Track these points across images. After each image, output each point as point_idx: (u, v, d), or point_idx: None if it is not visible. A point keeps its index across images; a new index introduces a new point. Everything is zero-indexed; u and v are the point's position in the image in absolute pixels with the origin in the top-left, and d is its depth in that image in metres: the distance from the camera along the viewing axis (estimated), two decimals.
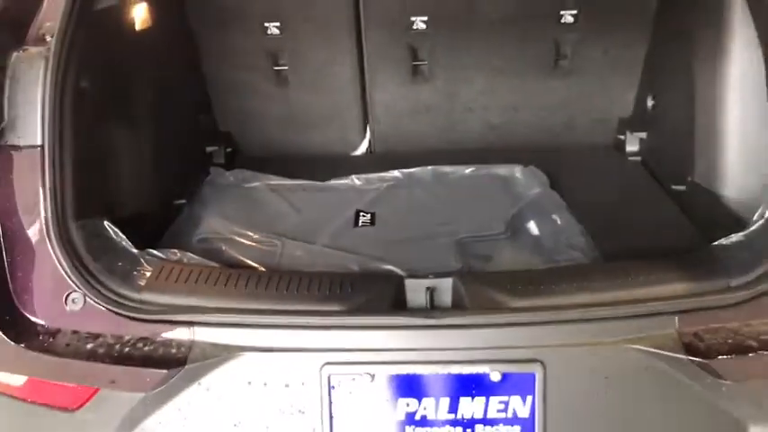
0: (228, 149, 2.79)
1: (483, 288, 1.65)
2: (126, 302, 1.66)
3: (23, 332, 1.68)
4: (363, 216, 2.26)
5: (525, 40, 2.57)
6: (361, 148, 2.86)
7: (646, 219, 2.23)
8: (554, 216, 2.21)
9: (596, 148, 2.74)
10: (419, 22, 2.54)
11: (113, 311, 1.65)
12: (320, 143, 2.83)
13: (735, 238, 1.75)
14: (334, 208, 2.31)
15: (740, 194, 2.05)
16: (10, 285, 1.70)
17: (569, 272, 1.80)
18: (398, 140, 2.81)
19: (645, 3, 2.48)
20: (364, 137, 2.84)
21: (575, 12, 2.50)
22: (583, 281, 1.67)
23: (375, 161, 2.78)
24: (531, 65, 2.63)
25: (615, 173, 2.59)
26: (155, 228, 2.17)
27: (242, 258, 2.01)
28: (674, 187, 2.33)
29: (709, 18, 2.09)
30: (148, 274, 1.74)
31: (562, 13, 2.51)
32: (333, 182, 2.54)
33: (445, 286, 1.69)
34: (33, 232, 1.69)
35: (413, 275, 1.76)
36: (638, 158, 2.66)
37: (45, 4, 1.79)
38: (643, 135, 2.64)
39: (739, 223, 1.92)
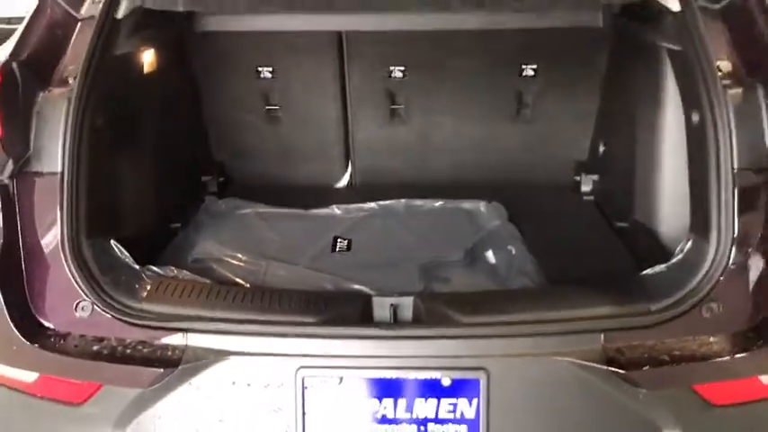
0: (222, 179, 3.05)
1: (439, 306, 1.91)
2: (128, 311, 1.90)
3: (37, 334, 1.92)
4: (341, 242, 2.52)
5: (491, 89, 2.86)
6: (343, 181, 3.13)
7: (591, 251, 2.50)
8: (509, 247, 2.47)
9: (555, 187, 3.02)
10: (397, 71, 2.83)
11: (117, 318, 1.89)
12: (306, 175, 3.10)
13: (658, 268, 2.02)
14: (315, 234, 2.57)
15: (672, 231, 2.33)
16: (27, 293, 1.95)
17: (514, 294, 2.07)
18: (376, 175, 3.08)
19: (596, 61, 2.78)
20: (346, 171, 3.12)
21: (534, 66, 2.80)
22: (525, 301, 1.94)
23: (355, 193, 3.05)
24: (496, 111, 2.91)
25: (569, 210, 2.87)
26: (154, 248, 2.42)
27: (231, 276, 2.26)
28: (618, 224, 2.61)
29: (647, 77, 2.39)
30: (148, 287, 1.99)
31: (523, 67, 2.80)
32: (315, 211, 2.79)
33: (407, 303, 1.95)
34: (50, 247, 1.93)
35: (380, 294, 2.03)
36: (592, 198, 2.95)
37: (69, 50, 2.06)
38: (595, 177, 2.93)
39: (669, 256, 2.20)
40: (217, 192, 3.01)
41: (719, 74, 1.90)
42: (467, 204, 2.80)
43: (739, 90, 1.89)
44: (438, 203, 2.82)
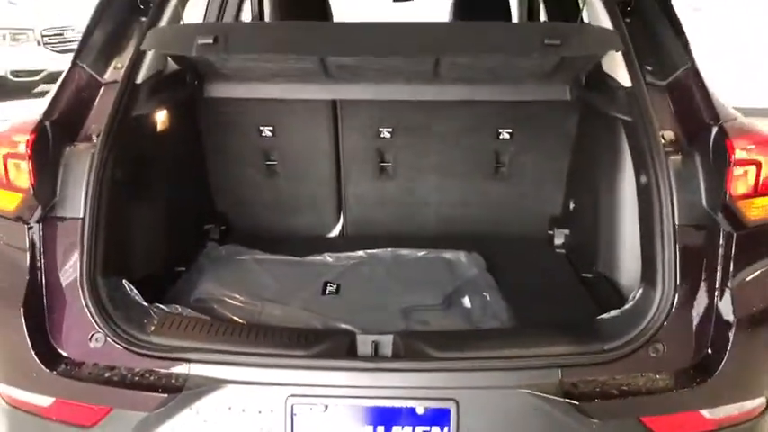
0: (223, 228, 3.31)
1: (415, 342, 2.14)
2: (137, 342, 2.13)
3: (54, 362, 2.14)
4: (330, 286, 2.75)
5: (471, 150, 3.14)
6: (335, 231, 3.39)
7: (559, 299, 2.74)
8: (485, 293, 2.71)
9: (530, 240, 3.27)
10: (385, 132, 3.11)
11: (127, 348, 2.11)
12: (301, 225, 3.35)
13: (613, 313, 2.25)
14: (307, 279, 2.81)
15: (630, 282, 2.58)
16: (47, 324, 2.18)
17: (483, 333, 2.30)
18: (366, 226, 3.34)
19: (566, 127, 3.07)
20: (338, 222, 3.38)
21: (510, 130, 3.09)
22: (492, 340, 2.18)
23: (346, 242, 3.30)
24: (475, 169, 3.19)
25: (542, 262, 3.12)
26: (160, 288, 2.66)
27: (229, 315, 2.50)
28: (583, 275, 2.86)
29: (607, 143, 2.67)
30: (155, 322, 2.21)
31: (500, 130, 3.10)
32: (309, 258, 3.05)
33: (387, 341, 2.17)
34: (68, 284, 2.17)
35: (363, 332, 2.26)
36: (563, 251, 3.20)
37: (93, 110, 2.35)
38: (567, 231, 3.19)
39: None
40: (218, 239, 3.25)
41: (663, 142, 2.18)
42: (448, 254, 3.05)
43: (679, 157, 2.17)
44: (422, 253, 3.06)
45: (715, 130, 2.10)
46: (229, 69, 2.79)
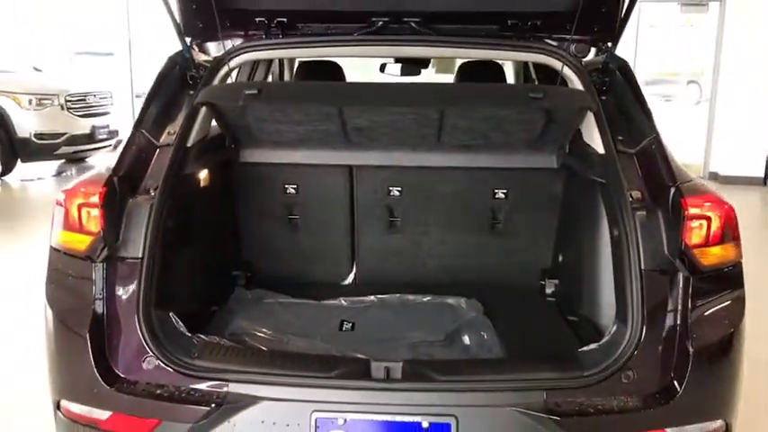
0: (249, 275, 3.70)
1: (421, 368, 2.50)
2: (183, 365, 2.49)
3: (113, 380, 2.50)
4: (346, 324, 3.13)
5: (470, 207, 3.56)
6: (349, 279, 3.77)
7: (547, 338, 3.12)
8: (482, 333, 3.08)
9: (523, 289, 3.66)
10: (395, 191, 3.54)
11: (175, 370, 2.48)
12: (319, 273, 3.74)
13: (592, 346, 2.61)
14: (326, 318, 3.19)
15: (608, 322, 2.94)
16: (106, 348, 2.55)
17: (479, 362, 2.67)
18: (376, 274, 3.72)
19: (554, 188, 3.50)
20: (352, 270, 3.77)
21: (505, 191, 3.52)
22: (487, 367, 2.54)
23: (358, 288, 3.68)
24: (474, 225, 3.60)
25: (533, 307, 3.49)
26: (198, 323, 3.03)
27: (260, 345, 2.87)
28: (569, 317, 3.24)
29: (588, 202, 3.09)
30: (198, 349, 2.58)
31: (496, 191, 3.53)
32: (326, 301, 3.43)
33: (397, 366, 2.52)
34: (126, 314, 2.54)
35: (376, 360, 2.62)
36: (554, 299, 3.58)
37: (150, 168, 2.77)
38: (556, 281, 3.58)
39: None
40: (245, 285, 3.64)
41: (630, 200, 2.59)
42: (450, 300, 3.43)
43: (644, 212, 2.57)
44: (426, 298, 3.45)
45: (673, 190, 2.52)
46: (263, 134, 3.24)
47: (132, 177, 2.70)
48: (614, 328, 2.61)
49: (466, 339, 3.04)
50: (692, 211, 2.44)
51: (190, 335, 2.66)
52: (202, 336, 2.72)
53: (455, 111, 2.98)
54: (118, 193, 2.59)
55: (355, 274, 3.76)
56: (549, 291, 3.61)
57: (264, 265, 3.73)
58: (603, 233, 2.97)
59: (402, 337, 2.99)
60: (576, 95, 2.91)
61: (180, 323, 2.67)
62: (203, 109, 2.98)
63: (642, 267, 2.50)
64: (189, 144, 2.88)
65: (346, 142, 3.30)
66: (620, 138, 2.83)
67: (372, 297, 3.45)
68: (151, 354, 2.49)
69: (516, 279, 3.68)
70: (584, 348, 2.63)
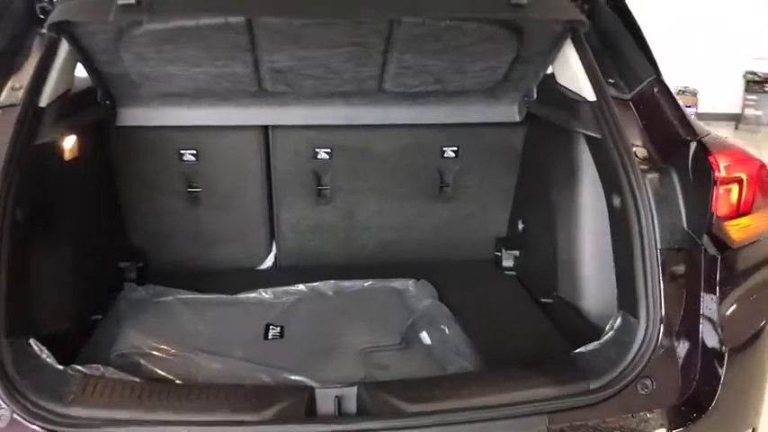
0: (140, 264, 2.93)
1: (384, 395, 1.88)
2: (53, 417, 1.76)
3: None
4: (273, 329, 2.45)
5: (414, 169, 2.93)
6: (267, 263, 3.08)
7: (520, 327, 2.57)
8: (443, 326, 2.49)
9: (477, 262, 3.10)
10: (323, 154, 2.85)
11: (41, 427, 1.75)
12: (228, 258, 3.03)
13: (591, 346, 2.08)
14: (245, 322, 2.50)
15: (595, 307, 2.43)
16: None
17: (457, 379, 2.07)
18: (301, 256, 3.05)
19: (512, 143, 2.91)
20: (270, 252, 3.07)
21: (455, 148, 2.90)
22: (468, 387, 1.95)
23: (279, 275, 3.01)
24: (418, 191, 2.98)
25: (493, 286, 2.94)
26: (73, 343, 2.28)
27: (160, 372, 2.15)
28: (542, 300, 2.69)
29: (563, 160, 2.52)
30: (74, 389, 1.86)
31: (444, 149, 2.90)
32: (242, 295, 2.73)
33: (351, 394, 1.91)
34: None
35: (322, 386, 1.98)
36: (513, 273, 3.04)
37: None
38: (516, 253, 3.03)
39: (595, 330, 2.29)
40: (135, 278, 2.88)
41: (637, 160, 2.03)
42: (395, 283, 2.82)
43: (656, 175, 2.02)
44: (367, 283, 2.82)
45: (694, 146, 1.97)
46: (147, 82, 2.43)
47: None
48: (618, 321, 2.08)
49: (425, 338, 2.44)
50: (725, 172, 1.90)
51: (61, 368, 1.92)
52: (79, 367, 1.98)
53: (409, 31, 2.23)
54: None
55: (275, 256, 3.07)
56: (506, 264, 3.06)
57: (159, 251, 2.97)
58: (585, 198, 2.44)
59: (346, 343, 2.36)
60: (565, 6, 2.26)
61: (44, 351, 1.93)
62: (62, 52, 2.16)
63: (658, 246, 1.96)
64: (43, 103, 2.07)
65: (260, 94, 2.56)
66: (609, 80, 2.25)
67: (300, 286, 2.78)
68: (1, 405, 1.74)
69: (468, 251, 3.11)
70: (583, 350, 2.09)
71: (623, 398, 1.91)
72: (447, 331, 2.47)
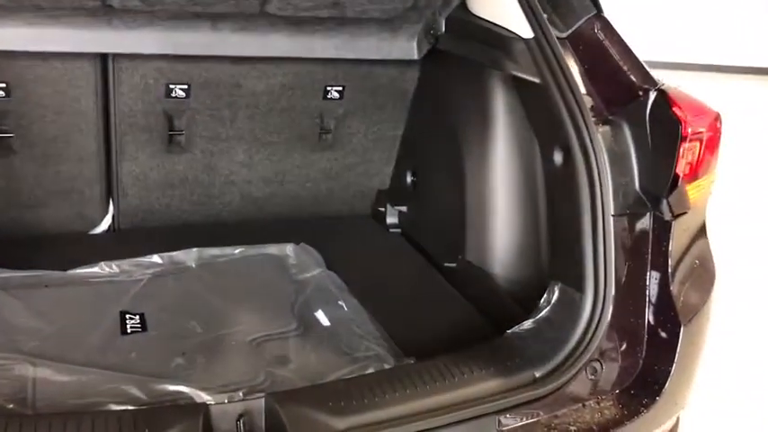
0: None
1: (301, 408, 1.47)
2: None
3: None
4: (131, 319, 1.91)
5: (290, 113, 2.45)
6: (103, 226, 2.47)
7: (423, 297, 2.25)
8: (339, 302, 2.11)
9: (358, 218, 2.73)
10: (178, 90, 2.27)
11: None
12: (52, 221, 2.38)
13: (526, 325, 1.81)
14: (91, 311, 1.92)
15: (511, 274, 2.17)
16: None
17: (384, 379, 1.70)
18: (147, 216, 2.48)
19: (404, 84, 2.52)
20: (107, 213, 2.47)
21: (340, 88, 2.45)
22: (402, 389, 1.59)
23: (119, 240, 2.43)
24: (295, 138, 2.51)
25: (380, 246, 2.58)
26: None
27: None
28: (445, 264, 2.38)
29: (473, 103, 2.18)
30: None
31: (329, 88, 2.44)
32: (78, 271, 2.14)
33: (258, 409, 1.48)
34: None
35: (218, 401, 1.53)
36: (398, 230, 2.70)
37: None
38: (403, 209, 2.69)
39: (516, 300, 2.03)
40: None
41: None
42: (272, 249, 2.38)
43: (607, 128, 1.75)
44: (237, 251, 2.34)
45: (653, 96, 1.71)
46: None
47: None
48: (556, 294, 1.83)
49: (323, 318, 2.04)
50: (690, 128, 1.67)
51: None
52: None
53: None
54: None
55: (113, 217, 2.47)
56: (391, 220, 2.71)
57: None
58: (498, 150, 2.14)
59: (232, 333, 1.89)
60: None
61: None
62: None
63: (611, 211, 1.70)
64: None
65: (100, 12, 1.94)
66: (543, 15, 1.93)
67: (154, 257, 2.23)
68: None
69: (347, 207, 2.72)
70: (517, 330, 1.82)
71: (573, 386, 1.67)
72: (345, 307, 2.10)
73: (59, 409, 1.52)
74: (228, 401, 1.55)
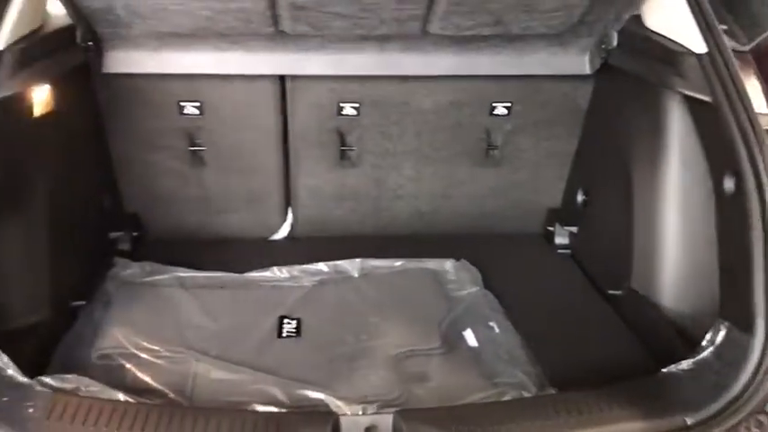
0: (135, 234, 2.53)
1: (425, 429, 1.48)
2: None
3: None
4: (288, 324, 2.04)
5: (457, 129, 2.46)
6: (282, 233, 2.66)
7: (582, 324, 2.14)
8: (491, 323, 2.08)
9: (525, 237, 2.66)
10: (349, 108, 2.38)
11: None
12: (237, 226, 2.60)
13: (685, 365, 1.67)
14: (256, 312, 2.08)
15: (680, 306, 1.99)
16: None
17: (519, 408, 1.65)
18: (321, 226, 2.63)
19: (576, 100, 2.42)
20: (285, 221, 2.65)
21: (508, 104, 2.42)
22: (534, 421, 1.53)
23: (295, 247, 2.59)
24: (462, 153, 2.51)
25: (545, 267, 2.50)
26: (49, 338, 1.89)
27: (149, 382, 1.75)
28: (610, 291, 2.25)
29: (646, 123, 2.04)
30: (38, 412, 1.48)
31: (494, 104, 2.42)
32: (253, 274, 2.32)
33: (385, 425, 1.51)
34: None
35: (350, 412, 1.58)
36: (567, 251, 2.59)
37: None
38: (573, 229, 2.58)
39: (682, 337, 1.87)
40: (130, 250, 2.47)
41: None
42: (431, 264, 2.40)
43: None
44: (398, 263, 2.39)
45: None
46: (137, 19, 1.97)
47: None
48: (721, 334, 1.65)
49: (471, 338, 2.02)
50: None
51: (25, 381, 1.54)
52: (48, 380, 1.59)
53: None
54: None
55: (291, 225, 2.64)
56: (560, 241, 2.61)
57: (157, 218, 2.55)
58: (673, 172, 1.98)
59: (377, 345, 1.94)
60: None
61: (5, 360, 1.54)
62: None
63: None
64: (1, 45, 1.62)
65: (277, 37, 2.09)
66: (722, 27, 1.76)
67: (321, 265, 2.36)
68: None
69: (516, 225, 2.67)
70: (674, 369, 1.67)
71: None
72: (496, 329, 2.06)
73: (210, 405, 1.67)
74: (362, 414, 1.59)
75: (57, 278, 1.96)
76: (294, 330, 2.02)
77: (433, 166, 2.54)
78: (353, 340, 1.97)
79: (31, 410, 1.47)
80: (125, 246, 2.48)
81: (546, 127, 2.49)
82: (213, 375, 1.79)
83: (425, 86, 2.35)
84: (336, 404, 1.67)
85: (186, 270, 2.31)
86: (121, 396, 1.61)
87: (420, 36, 2.12)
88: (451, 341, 2.00)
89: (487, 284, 2.33)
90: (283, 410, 1.62)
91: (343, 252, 2.43)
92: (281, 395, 1.71)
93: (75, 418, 1.47)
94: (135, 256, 2.42)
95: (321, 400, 1.69)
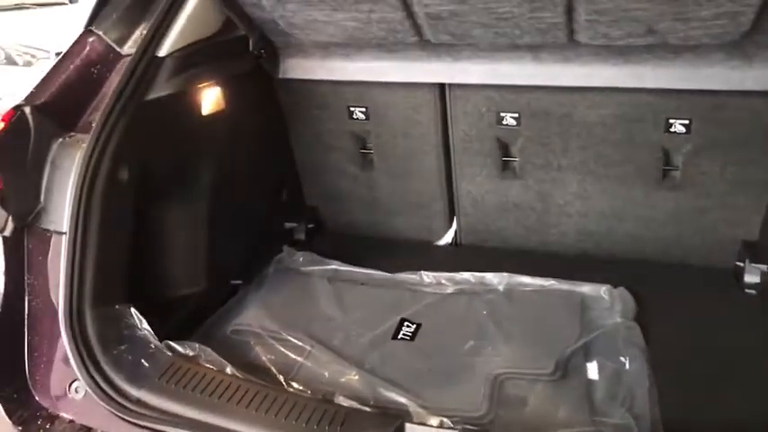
0: (311, 225, 2.74)
1: None
2: (122, 401, 1.63)
3: (26, 415, 1.70)
4: (407, 327, 2.07)
5: (629, 145, 2.26)
6: (446, 239, 2.69)
7: (736, 376, 1.86)
8: (623, 358, 1.90)
9: (705, 270, 2.35)
10: (509, 118, 2.33)
11: (107, 409, 1.62)
12: (403, 229, 2.70)
13: None
14: (382, 312, 2.14)
15: None
16: (26, 364, 1.75)
17: None
18: (484, 236, 2.60)
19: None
20: (450, 228, 2.67)
21: (686, 121, 2.17)
22: None
23: (458, 253, 2.61)
24: (634, 172, 2.31)
25: (721, 306, 2.19)
26: (201, 309, 2.15)
27: (263, 358, 1.93)
28: None
29: None
30: (155, 371, 1.71)
31: (672, 120, 2.19)
32: (400, 276, 2.39)
33: None
34: (52, 316, 1.72)
35: (416, 418, 1.58)
36: (754, 292, 2.25)
37: (102, 92, 1.85)
38: (765, 268, 2.23)
39: None
40: (304, 240, 2.70)
41: None
42: (585, 288, 2.24)
43: None
44: (548, 283, 2.28)
45: None
46: (295, 30, 2.15)
47: (66, 106, 1.79)
48: None
49: (592, 371, 1.87)
50: None
51: (154, 344, 1.78)
52: (174, 344, 1.82)
53: None
54: (33, 131, 1.70)
55: (456, 233, 2.66)
56: (749, 279, 2.27)
57: (332, 213, 2.75)
58: None
59: (484, 361, 1.89)
60: None
61: (143, 324, 1.80)
62: None
63: None
64: (162, 53, 1.90)
65: (428, 47, 2.14)
66: None
67: (466, 274, 2.34)
68: (79, 378, 1.65)
69: (696, 256, 2.38)
70: None
71: None
72: (626, 366, 1.87)
73: (302, 391, 1.77)
74: (435, 425, 1.58)
75: (216, 257, 2.22)
76: (410, 334, 2.05)
77: (602, 183, 2.37)
78: (462, 353, 1.94)
79: (148, 369, 1.71)
80: (300, 236, 2.71)
81: (734, 149, 2.19)
82: (317, 364, 1.89)
83: (587, 98, 2.20)
84: (417, 411, 1.67)
85: (342, 264, 2.46)
86: (229, 369, 1.78)
87: (573, 46, 2.01)
88: (570, 369, 1.87)
89: (645, 317, 2.11)
90: (361, 407, 1.66)
91: (502, 264, 2.38)
92: (367, 392, 1.76)
93: (179, 382, 1.67)
94: (309, 246, 2.64)
95: (403, 405, 1.70)
